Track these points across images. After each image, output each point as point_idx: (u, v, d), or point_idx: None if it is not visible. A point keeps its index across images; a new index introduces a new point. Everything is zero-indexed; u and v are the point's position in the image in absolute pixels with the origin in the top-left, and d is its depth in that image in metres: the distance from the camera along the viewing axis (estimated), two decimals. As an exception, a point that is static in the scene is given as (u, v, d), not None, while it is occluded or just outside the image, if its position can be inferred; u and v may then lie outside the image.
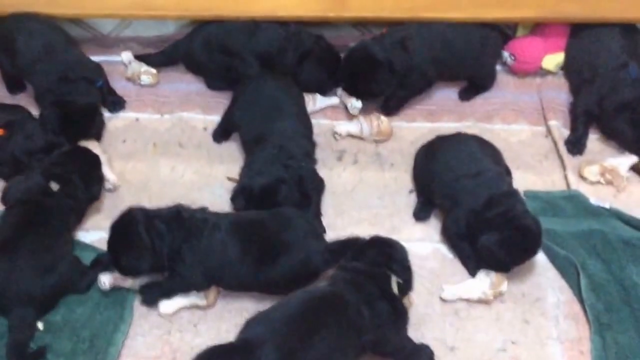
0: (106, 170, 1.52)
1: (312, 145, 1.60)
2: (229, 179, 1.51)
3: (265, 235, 1.30)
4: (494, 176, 1.40)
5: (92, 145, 1.56)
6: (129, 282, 1.34)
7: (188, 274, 1.29)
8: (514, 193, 1.38)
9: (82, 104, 1.58)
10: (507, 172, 1.49)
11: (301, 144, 1.53)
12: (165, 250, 1.26)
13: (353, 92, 1.69)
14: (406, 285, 1.23)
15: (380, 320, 1.15)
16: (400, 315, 1.20)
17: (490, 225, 1.31)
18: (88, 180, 1.43)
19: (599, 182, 1.56)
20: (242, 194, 1.42)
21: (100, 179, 1.48)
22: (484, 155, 1.46)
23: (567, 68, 1.77)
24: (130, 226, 1.25)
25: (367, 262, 1.22)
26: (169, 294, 1.32)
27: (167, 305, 1.32)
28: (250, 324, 1.14)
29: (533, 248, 1.32)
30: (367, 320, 1.14)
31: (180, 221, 1.28)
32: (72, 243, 1.39)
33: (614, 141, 1.62)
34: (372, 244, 1.26)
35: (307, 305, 1.14)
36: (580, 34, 1.74)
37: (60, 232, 1.34)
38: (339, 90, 1.75)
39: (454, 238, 1.41)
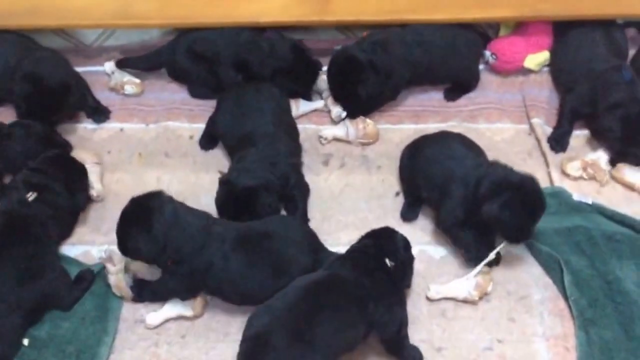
0: (94, 180, 1.52)
1: (298, 148, 1.61)
2: (220, 173, 1.50)
3: (271, 250, 1.30)
4: (480, 164, 1.41)
5: (88, 155, 1.56)
6: (112, 279, 1.34)
7: (184, 281, 1.29)
8: (503, 166, 1.37)
9: (53, 79, 1.55)
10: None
11: (288, 145, 1.54)
12: (172, 251, 1.25)
13: (340, 97, 1.70)
14: (399, 274, 1.25)
15: (382, 287, 1.19)
16: (398, 287, 1.23)
17: (487, 198, 1.31)
18: (71, 189, 1.42)
19: (581, 178, 1.58)
20: (225, 189, 1.42)
21: (84, 187, 1.46)
22: (468, 150, 1.48)
23: (555, 68, 1.78)
24: (154, 212, 1.24)
25: (361, 246, 1.27)
26: (159, 295, 1.32)
27: (154, 317, 1.32)
28: (253, 319, 1.16)
29: (536, 202, 1.31)
30: (368, 290, 1.17)
31: (204, 230, 1.27)
32: (57, 255, 1.38)
33: (601, 141, 1.62)
34: (368, 235, 1.29)
35: (307, 289, 1.17)
36: (568, 34, 1.76)
37: (42, 242, 1.33)
38: (325, 93, 1.76)
39: (452, 229, 1.41)
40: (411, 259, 1.29)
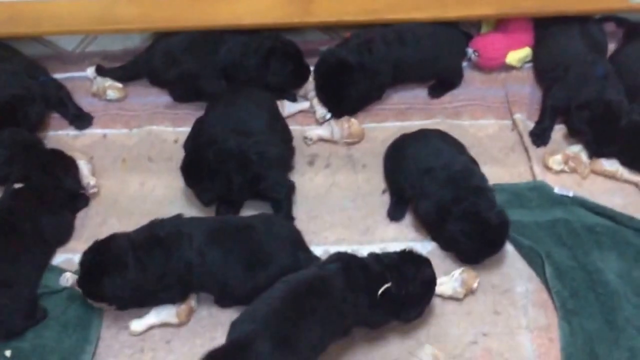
0: (87, 174, 1.53)
1: (290, 150, 1.60)
2: None
3: (249, 244, 1.30)
4: (462, 168, 1.43)
5: (77, 153, 1.57)
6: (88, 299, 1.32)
7: (168, 293, 1.28)
8: (483, 188, 1.40)
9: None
10: (474, 162, 1.52)
11: (279, 148, 1.54)
12: (150, 280, 1.25)
13: (329, 99, 1.70)
14: (399, 304, 1.21)
15: (359, 311, 1.18)
16: (374, 317, 1.22)
17: (457, 217, 1.35)
18: (57, 175, 1.42)
19: (563, 171, 1.59)
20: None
21: (68, 171, 1.47)
22: (449, 147, 1.50)
23: (537, 64, 1.80)
24: (119, 259, 1.23)
25: (373, 258, 1.24)
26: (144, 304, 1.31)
27: (138, 324, 1.32)
28: (237, 323, 1.15)
29: (494, 241, 1.35)
30: (350, 306, 1.17)
31: (159, 244, 1.26)
32: (37, 266, 1.36)
33: (576, 137, 1.64)
34: (404, 253, 1.26)
35: (293, 293, 1.16)
36: (549, 30, 1.78)
37: (27, 249, 1.32)
38: (310, 93, 1.76)
39: (430, 224, 1.44)
40: (423, 295, 1.24)
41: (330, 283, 1.18)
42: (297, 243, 1.36)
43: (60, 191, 1.44)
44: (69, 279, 1.32)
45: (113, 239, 1.27)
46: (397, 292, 1.19)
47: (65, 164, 1.51)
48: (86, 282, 1.26)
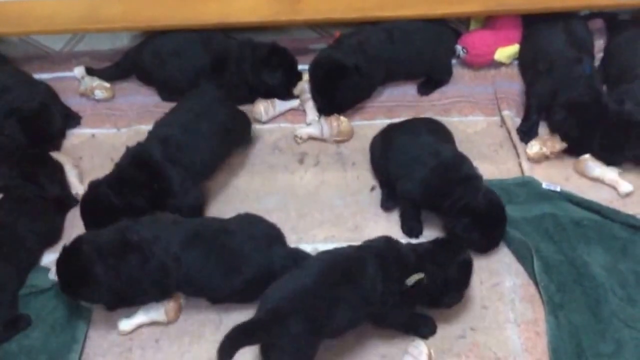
0: (74, 181, 1.53)
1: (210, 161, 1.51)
2: None
3: (225, 248, 1.29)
4: (450, 160, 1.43)
5: (64, 157, 1.56)
6: None
7: (148, 297, 1.28)
8: (470, 176, 1.39)
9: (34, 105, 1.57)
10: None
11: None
12: (126, 285, 1.24)
13: (324, 101, 1.69)
14: (433, 295, 1.21)
15: (387, 301, 1.18)
16: (402, 307, 1.22)
17: (450, 214, 1.36)
18: (44, 184, 1.41)
19: (544, 156, 1.59)
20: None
21: (53, 178, 1.45)
22: (437, 137, 1.51)
23: (522, 59, 1.81)
24: (85, 267, 1.22)
25: (414, 246, 1.24)
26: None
27: (126, 323, 1.31)
28: (271, 294, 1.15)
29: (492, 224, 1.35)
30: (377, 295, 1.17)
31: (131, 249, 1.24)
32: (17, 275, 1.34)
33: (558, 134, 1.63)
34: (439, 242, 1.26)
35: (325, 274, 1.16)
36: (533, 27, 1.79)
37: (7, 258, 1.31)
38: (304, 95, 1.76)
39: (404, 202, 1.46)
40: (461, 280, 1.24)
41: (362, 269, 1.18)
42: (274, 240, 1.35)
43: (43, 199, 1.42)
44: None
45: (79, 248, 1.24)
46: (432, 282, 1.20)
47: (49, 170, 1.48)
48: (66, 292, 1.27)
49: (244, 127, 1.64)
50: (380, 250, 1.22)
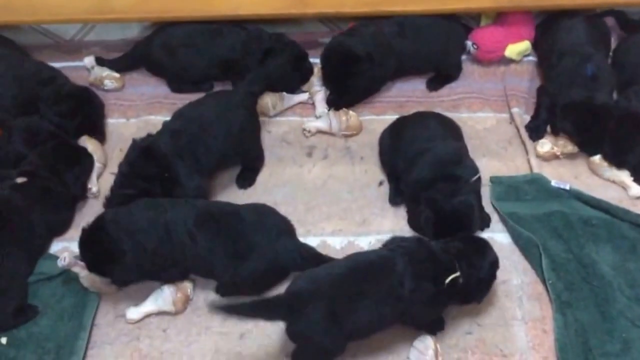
0: (93, 180, 1.53)
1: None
2: None
3: (234, 232, 1.30)
4: (450, 157, 1.43)
5: (98, 152, 1.57)
6: (85, 281, 1.34)
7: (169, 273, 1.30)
8: (459, 177, 1.39)
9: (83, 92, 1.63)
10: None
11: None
12: (151, 261, 1.26)
13: (337, 88, 1.69)
14: (472, 291, 1.22)
15: (418, 299, 1.19)
16: (436, 305, 1.23)
17: (423, 202, 1.37)
18: (64, 175, 1.42)
19: (555, 155, 1.59)
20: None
21: (76, 172, 1.46)
22: (444, 131, 1.51)
23: (538, 50, 1.80)
24: (111, 245, 1.24)
25: (445, 246, 1.24)
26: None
27: (134, 312, 1.32)
28: (299, 281, 1.18)
29: (447, 228, 1.34)
30: (406, 293, 1.17)
31: (158, 226, 1.27)
32: (29, 262, 1.35)
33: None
34: (466, 239, 1.28)
35: (355, 269, 1.18)
36: (550, 21, 1.77)
37: (19, 245, 1.32)
38: (313, 89, 1.75)
39: (410, 201, 1.46)
40: (491, 278, 1.25)
41: (390, 266, 1.19)
42: (285, 232, 1.35)
43: (63, 191, 1.44)
44: (66, 257, 1.33)
45: (103, 226, 1.26)
46: (466, 281, 1.21)
47: (78, 170, 1.48)
48: (94, 270, 1.29)
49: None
50: (410, 249, 1.23)
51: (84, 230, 1.27)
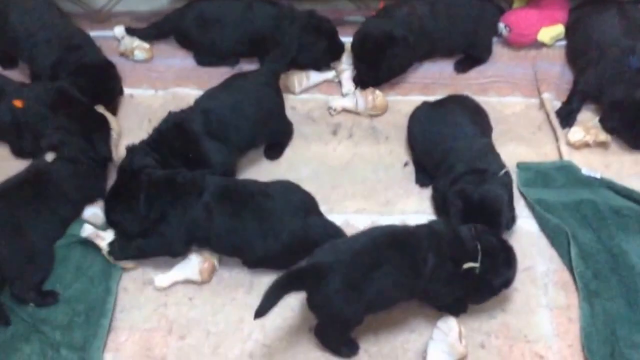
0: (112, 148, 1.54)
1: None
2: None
3: (264, 206, 1.31)
4: (477, 153, 1.41)
5: (110, 120, 1.57)
6: (103, 244, 1.37)
7: (170, 238, 1.32)
8: (485, 170, 1.37)
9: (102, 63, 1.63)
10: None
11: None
12: (154, 215, 1.30)
13: (369, 70, 1.66)
14: (472, 287, 1.21)
15: (439, 276, 1.19)
16: (452, 286, 1.23)
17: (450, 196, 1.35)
18: (93, 140, 1.45)
19: (586, 144, 1.56)
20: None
21: (104, 137, 1.49)
22: (474, 127, 1.48)
23: (569, 47, 1.75)
24: (134, 189, 1.30)
25: (478, 235, 1.23)
26: (143, 254, 1.35)
27: (162, 279, 1.35)
28: (320, 251, 1.19)
29: (478, 217, 1.32)
30: (428, 269, 1.18)
31: (174, 186, 1.31)
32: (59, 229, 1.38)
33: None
34: (503, 241, 1.26)
35: (375, 241, 1.19)
36: (585, 10, 1.72)
37: (53, 211, 1.36)
38: (340, 67, 1.73)
39: (439, 197, 1.45)
40: (499, 290, 1.24)
41: (415, 241, 1.20)
42: (311, 209, 1.36)
43: (93, 160, 1.45)
44: (87, 229, 1.37)
45: (137, 172, 1.32)
46: (480, 277, 1.20)
47: (104, 134, 1.50)
48: (108, 205, 1.36)
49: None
50: (437, 229, 1.24)
51: (120, 169, 1.35)
